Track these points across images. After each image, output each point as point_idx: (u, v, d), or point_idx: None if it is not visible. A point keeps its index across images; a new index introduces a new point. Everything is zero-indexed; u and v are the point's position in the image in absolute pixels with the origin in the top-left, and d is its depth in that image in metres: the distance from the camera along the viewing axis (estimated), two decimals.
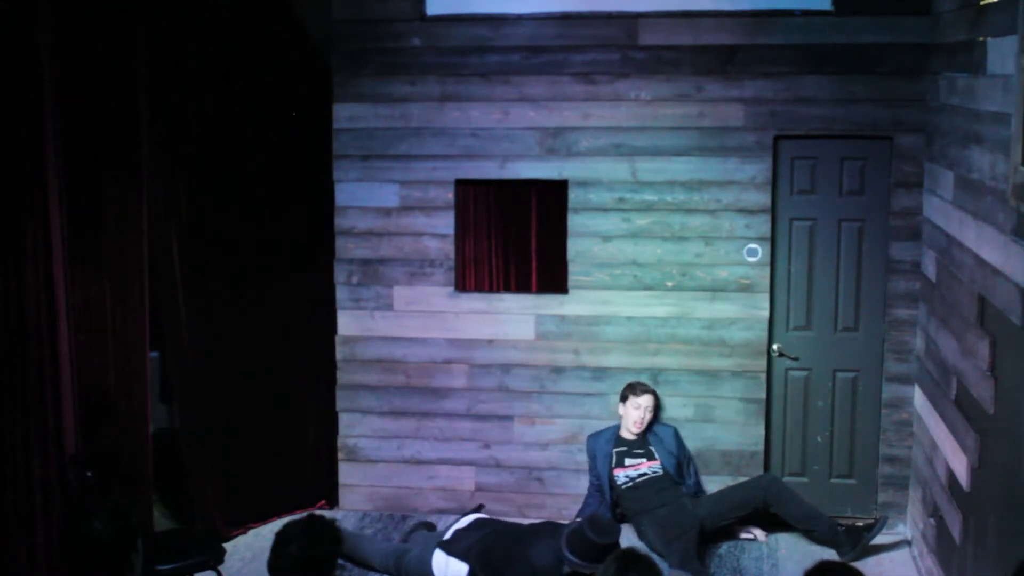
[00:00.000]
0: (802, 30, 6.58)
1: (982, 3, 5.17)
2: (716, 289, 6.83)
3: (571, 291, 6.94)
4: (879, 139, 6.65)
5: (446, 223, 7.00)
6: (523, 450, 7.09)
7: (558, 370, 7.00)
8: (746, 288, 6.81)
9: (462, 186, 7.00)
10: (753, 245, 6.77)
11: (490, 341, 7.03)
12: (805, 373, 6.91)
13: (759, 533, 6.69)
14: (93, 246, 5.83)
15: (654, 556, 5.98)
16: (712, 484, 6.89)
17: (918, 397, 6.58)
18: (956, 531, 5.41)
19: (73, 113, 5.64)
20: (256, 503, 6.95)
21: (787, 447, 6.99)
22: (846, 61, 6.56)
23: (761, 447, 6.92)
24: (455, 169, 6.94)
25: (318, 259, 7.09)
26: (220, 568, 5.75)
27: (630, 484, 6.75)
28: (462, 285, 7.09)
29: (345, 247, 7.08)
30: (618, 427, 6.87)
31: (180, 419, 6.77)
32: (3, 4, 5.16)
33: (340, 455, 7.25)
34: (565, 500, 7.03)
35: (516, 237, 7.19)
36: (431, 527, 6.63)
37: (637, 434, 6.80)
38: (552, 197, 6.98)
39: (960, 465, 5.35)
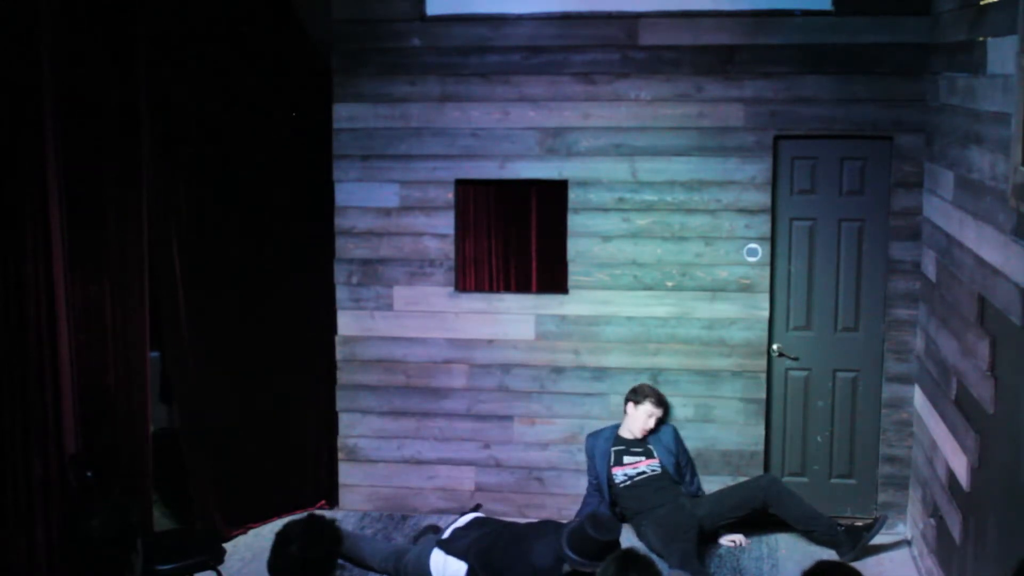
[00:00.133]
0: (802, 30, 6.58)
1: (982, 3, 5.17)
2: (716, 289, 6.83)
3: (571, 291, 6.95)
4: (879, 139, 6.65)
5: (446, 223, 7.00)
6: (523, 450, 7.09)
7: (558, 370, 7.00)
8: (746, 288, 6.81)
9: (462, 186, 7.00)
10: (753, 245, 6.77)
11: (490, 341, 7.03)
12: (805, 373, 6.92)
13: (740, 539, 6.68)
14: (93, 246, 5.83)
15: (654, 556, 5.99)
16: (712, 484, 6.89)
17: (918, 397, 6.58)
18: (956, 531, 5.41)
19: (73, 113, 5.64)
20: (256, 503, 6.95)
21: (787, 447, 6.99)
22: (846, 61, 6.56)
23: (761, 447, 6.93)
24: (455, 169, 6.94)
25: (318, 259, 7.09)
26: (220, 568, 5.75)
27: (628, 483, 6.75)
28: (462, 285, 7.09)
29: (345, 247, 7.08)
30: (618, 426, 6.87)
31: (180, 419, 6.77)
32: (3, 4, 5.16)
33: (340, 455, 7.25)
34: (565, 500, 7.03)
35: (516, 237, 7.19)
36: (438, 531, 6.62)
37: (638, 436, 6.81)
38: (552, 197, 6.98)
39: (960, 465, 5.35)
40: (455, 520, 6.23)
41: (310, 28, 6.91)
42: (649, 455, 6.79)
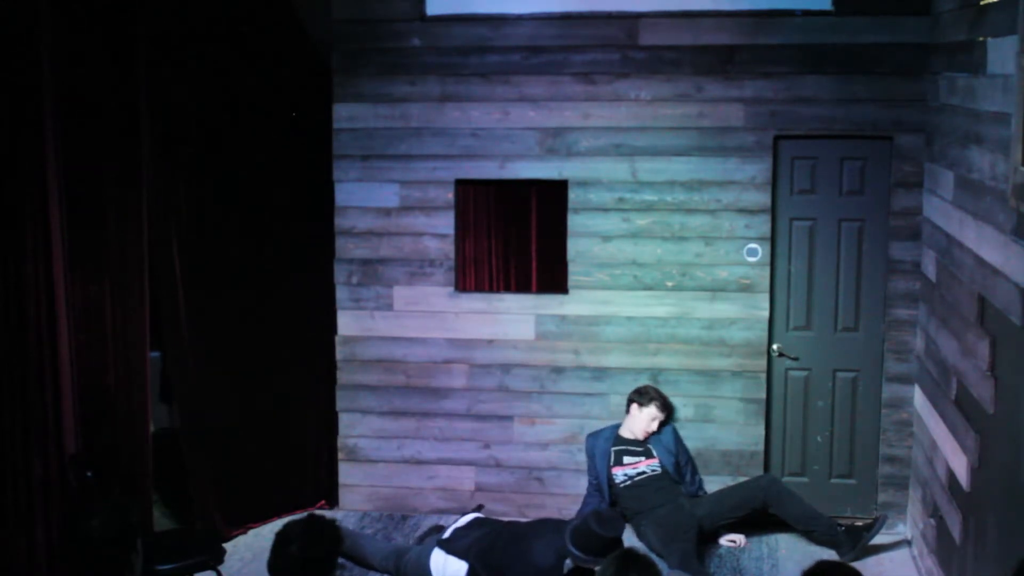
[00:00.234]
0: (802, 30, 6.58)
1: (982, 3, 5.17)
2: (716, 289, 6.83)
3: (571, 291, 6.94)
4: (879, 139, 6.65)
5: (446, 223, 7.00)
6: (523, 450, 7.09)
7: (558, 370, 7.00)
8: (746, 288, 6.81)
9: (462, 186, 7.00)
10: (753, 245, 6.77)
11: (490, 341, 7.03)
12: (805, 373, 6.92)
13: (740, 539, 6.68)
14: (93, 246, 5.83)
15: (654, 556, 5.99)
16: (712, 484, 6.89)
17: (918, 397, 6.58)
18: (956, 531, 5.41)
19: (73, 113, 5.65)
20: (256, 503, 6.95)
21: (787, 447, 6.99)
22: (846, 61, 6.56)
23: (761, 447, 6.93)
24: (455, 169, 6.94)
25: (318, 259, 7.09)
26: (220, 568, 5.75)
27: (628, 483, 6.75)
28: (462, 285, 7.09)
29: (345, 247, 7.08)
30: (618, 426, 6.87)
31: (180, 419, 6.77)
32: (3, 4, 5.16)
33: (340, 455, 7.25)
34: (565, 500, 7.03)
35: (516, 237, 7.19)
36: (442, 531, 6.60)
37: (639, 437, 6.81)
38: (552, 197, 6.98)
39: (960, 465, 5.35)
40: (456, 520, 6.23)
41: (310, 28, 6.91)
42: (649, 455, 6.79)
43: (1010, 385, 4.65)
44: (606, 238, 6.87)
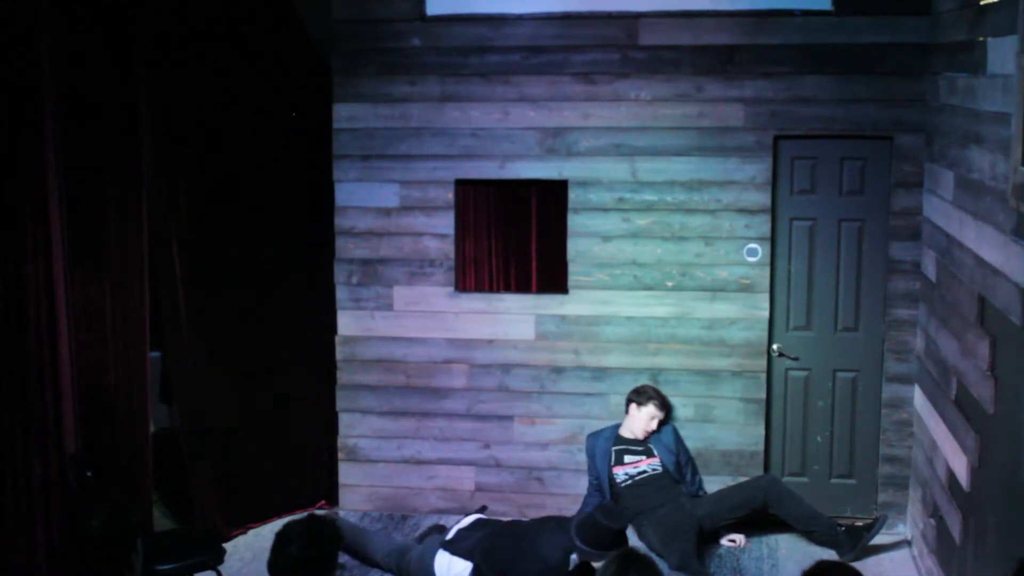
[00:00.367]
0: (802, 30, 6.58)
1: (982, 3, 5.16)
2: (716, 289, 6.83)
3: (571, 291, 6.95)
4: (879, 139, 6.65)
5: (446, 223, 7.00)
6: (523, 450, 7.10)
7: (558, 370, 7.00)
8: (746, 288, 6.81)
9: (462, 186, 7.00)
10: (753, 245, 6.77)
11: (490, 341, 7.03)
12: (805, 373, 6.91)
13: (740, 539, 6.68)
14: (93, 246, 5.83)
15: (654, 556, 5.99)
16: (712, 484, 6.89)
17: (918, 397, 6.58)
18: (956, 531, 5.41)
19: (73, 113, 5.65)
20: (256, 503, 6.95)
21: (787, 447, 6.99)
22: (846, 61, 6.56)
23: (761, 447, 6.92)
24: (455, 169, 6.94)
25: (318, 259, 7.09)
26: (220, 568, 5.75)
27: (629, 482, 6.75)
28: (462, 285, 7.09)
29: (345, 247, 7.08)
30: (618, 426, 6.87)
31: (180, 419, 6.77)
32: (3, 4, 5.16)
33: (340, 455, 7.25)
34: (565, 500, 7.03)
35: (516, 237, 7.19)
36: (443, 530, 6.61)
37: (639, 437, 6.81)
38: (552, 197, 6.98)
39: (960, 465, 5.35)
40: (459, 521, 6.23)
41: (310, 28, 6.91)
42: (650, 454, 6.79)
43: (1010, 385, 4.65)
44: (606, 238, 6.87)
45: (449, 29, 6.84)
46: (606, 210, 6.86)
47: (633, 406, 6.79)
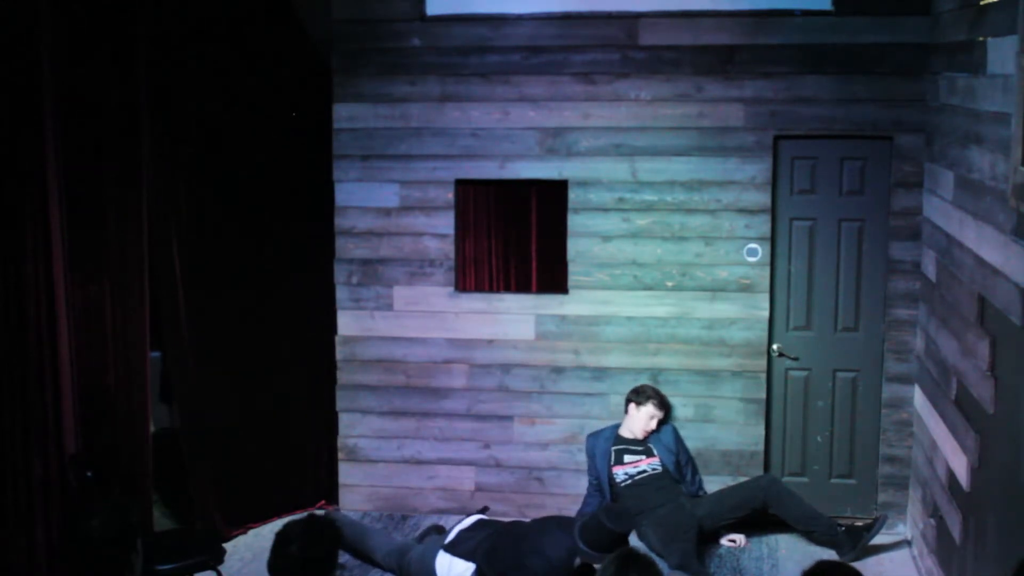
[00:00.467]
0: (802, 30, 6.58)
1: (982, 3, 5.16)
2: (716, 289, 6.83)
3: (571, 291, 6.94)
4: (879, 139, 6.65)
5: (446, 223, 7.00)
6: (523, 450, 7.10)
7: (558, 370, 7.00)
8: (746, 288, 6.81)
9: (462, 186, 7.00)
10: (753, 245, 6.77)
11: (490, 341, 7.03)
12: (805, 373, 6.92)
13: (740, 539, 6.68)
14: (93, 246, 5.83)
15: (654, 556, 5.98)
16: (712, 484, 6.89)
17: (918, 397, 6.58)
18: (956, 531, 5.41)
19: (73, 113, 5.65)
20: (256, 503, 6.95)
21: (787, 447, 6.99)
22: (846, 61, 6.56)
23: (761, 447, 6.92)
24: (455, 169, 6.94)
25: (318, 259, 7.09)
26: (220, 568, 5.75)
27: (629, 482, 6.75)
28: (462, 285, 7.09)
29: (345, 247, 7.08)
30: (618, 426, 6.87)
31: (180, 419, 6.77)
32: (3, 4, 5.16)
33: (340, 455, 7.25)
34: (565, 500, 7.03)
35: (516, 237, 7.19)
36: (442, 531, 6.61)
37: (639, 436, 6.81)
38: (552, 197, 6.98)
39: (960, 465, 5.35)
40: (459, 522, 6.23)
41: (310, 28, 6.91)
42: (649, 454, 6.79)
43: (1010, 385, 4.65)
44: (606, 238, 6.87)
45: (449, 29, 6.84)
46: (606, 210, 6.86)
47: (632, 406, 6.79)
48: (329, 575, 4.09)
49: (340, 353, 7.16)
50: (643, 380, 6.88)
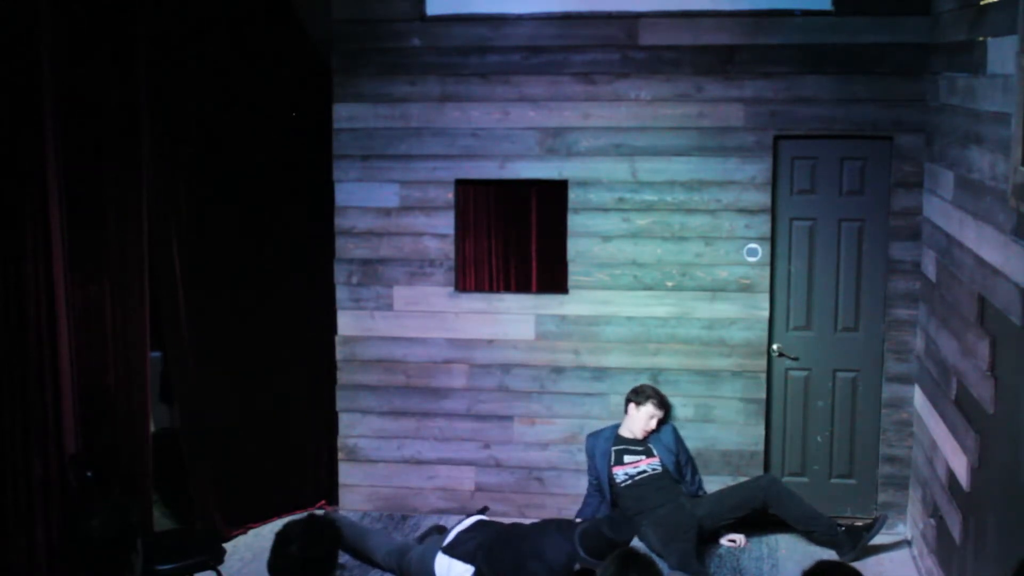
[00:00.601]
0: (802, 30, 6.58)
1: (982, 3, 5.16)
2: (716, 289, 6.83)
3: (571, 291, 6.94)
4: (879, 139, 6.65)
5: (446, 223, 7.00)
6: (523, 450, 7.10)
7: (558, 370, 7.00)
8: (746, 288, 6.81)
9: (462, 186, 7.00)
10: (753, 245, 6.77)
11: (490, 341, 7.03)
12: (805, 373, 6.91)
13: (740, 539, 6.68)
14: (93, 246, 5.83)
15: (654, 556, 5.98)
16: (712, 484, 6.89)
17: (918, 397, 6.58)
18: (956, 531, 5.41)
19: (73, 113, 5.65)
20: (256, 503, 6.95)
21: (787, 447, 6.99)
22: (846, 61, 6.56)
23: (761, 447, 6.92)
24: (455, 169, 6.94)
25: (318, 259, 7.09)
26: (220, 568, 5.75)
27: (629, 482, 6.75)
28: (462, 285, 7.09)
29: (345, 247, 7.08)
30: (618, 426, 6.87)
31: (180, 419, 6.77)
32: (3, 4, 5.16)
33: (340, 455, 7.25)
34: (565, 500, 7.03)
35: (516, 237, 7.19)
36: (443, 531, 6.61)
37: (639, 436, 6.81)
38: (552, 197, 6.98)
39: (960, 465, 5.35)
40: (459, 522, 6.23)
41: (310, 28, 6.91)
42: (649, 454, 6.79)
43: (1010, 385, 4.65)
44: (606, 238, 6.87)
45: (449, 29, 6.84)
46: (606, 210, 6.86)
47: (632, 406, 6.79)
48: (329, 575, 4.09)
49: (340, 353, 7.16)
50: (643, 380, 6.88)
